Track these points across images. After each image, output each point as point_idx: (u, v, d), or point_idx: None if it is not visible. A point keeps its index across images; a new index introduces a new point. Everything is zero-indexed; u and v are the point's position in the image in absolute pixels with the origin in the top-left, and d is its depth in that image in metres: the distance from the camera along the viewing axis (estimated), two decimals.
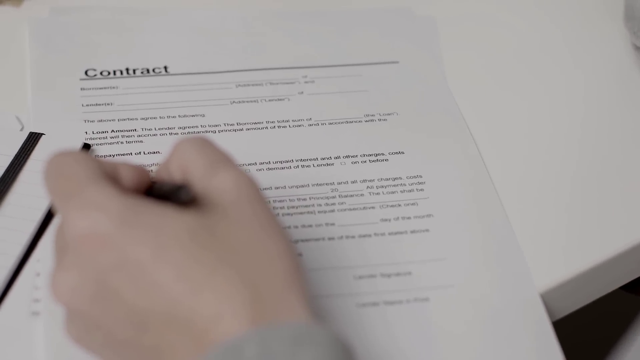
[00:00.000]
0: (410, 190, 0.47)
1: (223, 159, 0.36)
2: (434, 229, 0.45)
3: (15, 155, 0.46)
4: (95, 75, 0.52)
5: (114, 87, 0.52)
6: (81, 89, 0.51)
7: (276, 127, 0.50)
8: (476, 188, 0.47)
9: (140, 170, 0.36)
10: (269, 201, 0.45)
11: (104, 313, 0.33)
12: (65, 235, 0.34)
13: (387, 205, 0.46)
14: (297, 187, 0.47)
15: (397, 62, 0.55)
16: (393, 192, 0.47)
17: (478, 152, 0.49)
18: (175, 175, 0.36)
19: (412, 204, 0.46)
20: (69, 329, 0.35)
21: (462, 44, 0.57)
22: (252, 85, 0.53)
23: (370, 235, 0.44)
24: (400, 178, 0.47)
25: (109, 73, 0.52)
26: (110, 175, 0.35)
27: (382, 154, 0.49)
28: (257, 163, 0.48)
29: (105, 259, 0.32)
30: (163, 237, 0.32)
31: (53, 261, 0.35)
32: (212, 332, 0.31)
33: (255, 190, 0.35)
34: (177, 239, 0.32)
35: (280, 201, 0.46)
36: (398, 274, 0.43)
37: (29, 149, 0.47)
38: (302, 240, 0.44)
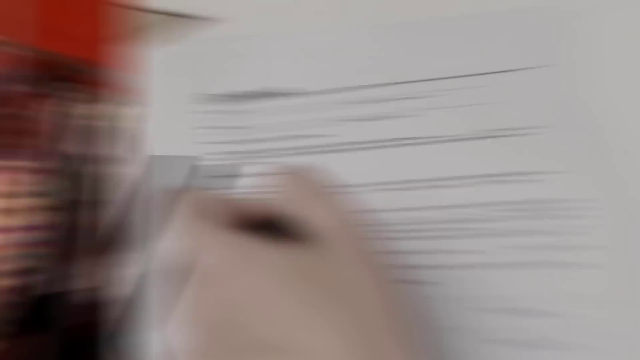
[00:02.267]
0: (575, 216, 0.43)
1: (326, 192, 0.36)
2: (579, 261, 0.41)
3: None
4: (215, 98, 0.51)
5: (238, 112, 0.50)
6: (201, 112, 0.50)
7: (404, 145, 0.47)
8: (631, 214, 0.43)
9: (247, 204, 0.36)
10: (394, 223, 0.44)
11: (219, 346, 0.33)
12: (188, 270, 0.34)
13: (528, 233, 0.42)
14: (446, 208, 0.44)
15: (532, 68, 0.51)
16: (542, 218, 0.43)
17: (626, 168, 0.45)
18: (277, 207, 0.36)
19: (558, 233, 0.42)
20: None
21: (599, 43, 0.52)
22: (378, 102, 0.50)
23: (509, 265, 0.41)
24: (552, 201, 0.44)
25: (231, 96, 0.51)
26: (226, 211, 0.36)
27: (531, 173, 0.45)
28: (383, 183, 0.45)
29: (223, 294, 0.33)
30: (276, 274, 0.33)
31: (172, 295, 0.36)
32: None
33: (357, 227, 0.35)
34: (287, 275, 0.32)
35: (419, 224, 0.43)
36: (541, 313, 0.39)
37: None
38: (443, 267, 0.41)
